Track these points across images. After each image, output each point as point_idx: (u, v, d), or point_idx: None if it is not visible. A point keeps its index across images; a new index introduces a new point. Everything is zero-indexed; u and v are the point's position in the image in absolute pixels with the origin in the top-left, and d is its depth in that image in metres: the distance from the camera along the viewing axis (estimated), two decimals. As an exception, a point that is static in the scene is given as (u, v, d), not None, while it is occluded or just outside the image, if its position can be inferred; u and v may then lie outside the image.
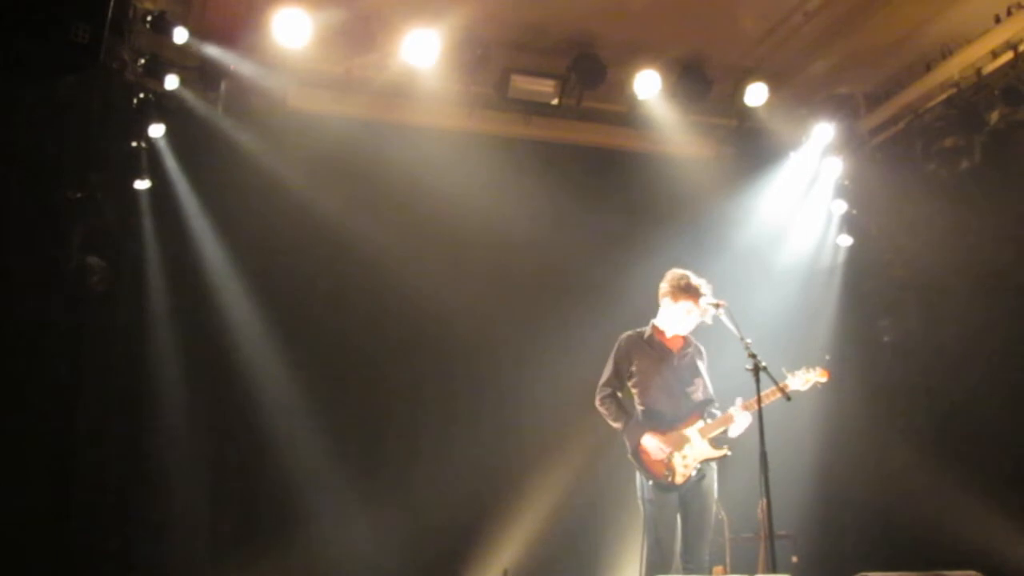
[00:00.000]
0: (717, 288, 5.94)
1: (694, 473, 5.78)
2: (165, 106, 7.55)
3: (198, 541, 7.40)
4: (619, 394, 6.00)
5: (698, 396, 5.97)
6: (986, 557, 6.46)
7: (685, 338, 6.07)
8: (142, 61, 7.28)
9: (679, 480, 5.77)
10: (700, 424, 5.86)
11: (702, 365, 6.06)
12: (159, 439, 7.43)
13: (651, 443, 5.78)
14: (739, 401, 5.73)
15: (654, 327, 6.09)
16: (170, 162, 7.72)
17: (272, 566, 7.34)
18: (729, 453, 5.84)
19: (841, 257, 9.08)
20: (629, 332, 6.13)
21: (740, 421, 5.74)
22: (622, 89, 8.02)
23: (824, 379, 5.82)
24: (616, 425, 5.96)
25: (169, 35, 7.07)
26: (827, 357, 5.92)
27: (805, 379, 5.76)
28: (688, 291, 5.89)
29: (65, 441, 7.00)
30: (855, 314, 9.03)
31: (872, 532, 8.34)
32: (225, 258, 7.80)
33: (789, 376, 5.70)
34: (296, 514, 7.61)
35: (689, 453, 5.80)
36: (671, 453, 5.75)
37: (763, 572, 6.29)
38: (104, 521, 7.14)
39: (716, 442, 5.84)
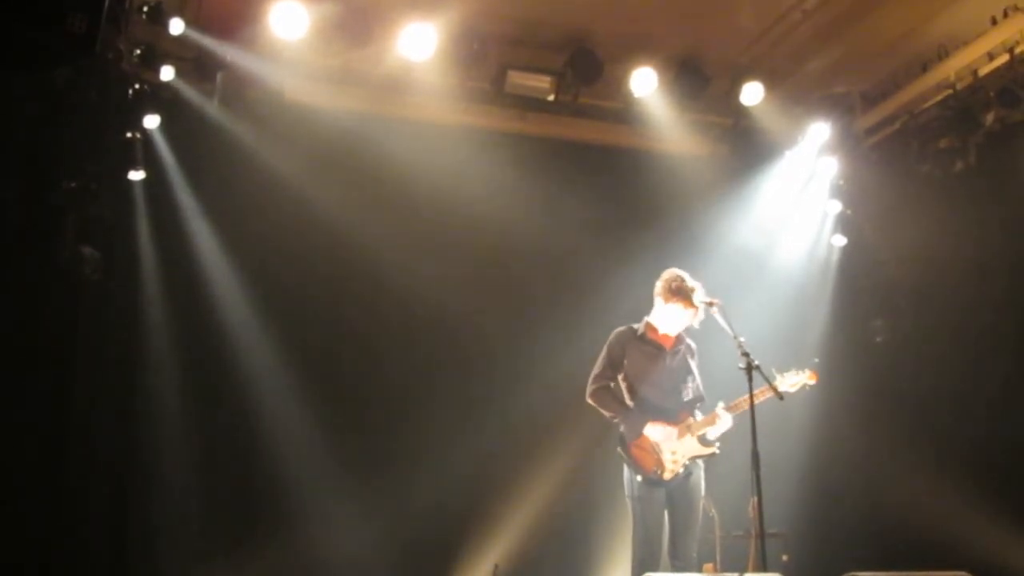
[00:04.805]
0: (711, 286, 5.94)
1: (682, 470, 5.80)
2: (160, 97, 7.52)
3: (192, 538, 7.36)
4: (612, 385, 6.00)
5: (688, 394, 5.98)
6: (976, 557, 6.47)
7: (678, 336, 6.06)
8: (138, 52, 7.25)
9: (668, 476, 5.78)
10: (689, 421, 5.88)
11: (694, 363, 6.07)
12: (153, 432, 7.40)
13: (656, 430, 5.80)
14: (721, 404, 5.76)
15: (647, 324, 6.07)
16: (165, 153, 7.68)
17: (264, 564, 7.33)
18: (718, 451, 5.86)
19: (835, 257, 9.09)
20: (622, 327, 6.12)
21: (723, 422, 5.77)
22: (618, 86, 8.01)
23: (812, 382, 5.81)
24: (610, 414, 5.95)
25: (165, 26, 7.04)
26: (816, 360, 5.90)
27: (793, 382, 5.75)
28: (679, 294, 5.86)
29: (58, 434, 6.98)
30: (848, 314, 9.03)
31: (863, 531, 8.35)
32: (220, 249, 7.77)
33: (778, 377, 5.69)
34: (289, 512, 7.59)
35: (679, 449, 5.82)
36: (670, 441, 5.78)
37: (753, 570, 6.30)
38: (98, 517, 7.12)
39: (704, 440, 5.86)
